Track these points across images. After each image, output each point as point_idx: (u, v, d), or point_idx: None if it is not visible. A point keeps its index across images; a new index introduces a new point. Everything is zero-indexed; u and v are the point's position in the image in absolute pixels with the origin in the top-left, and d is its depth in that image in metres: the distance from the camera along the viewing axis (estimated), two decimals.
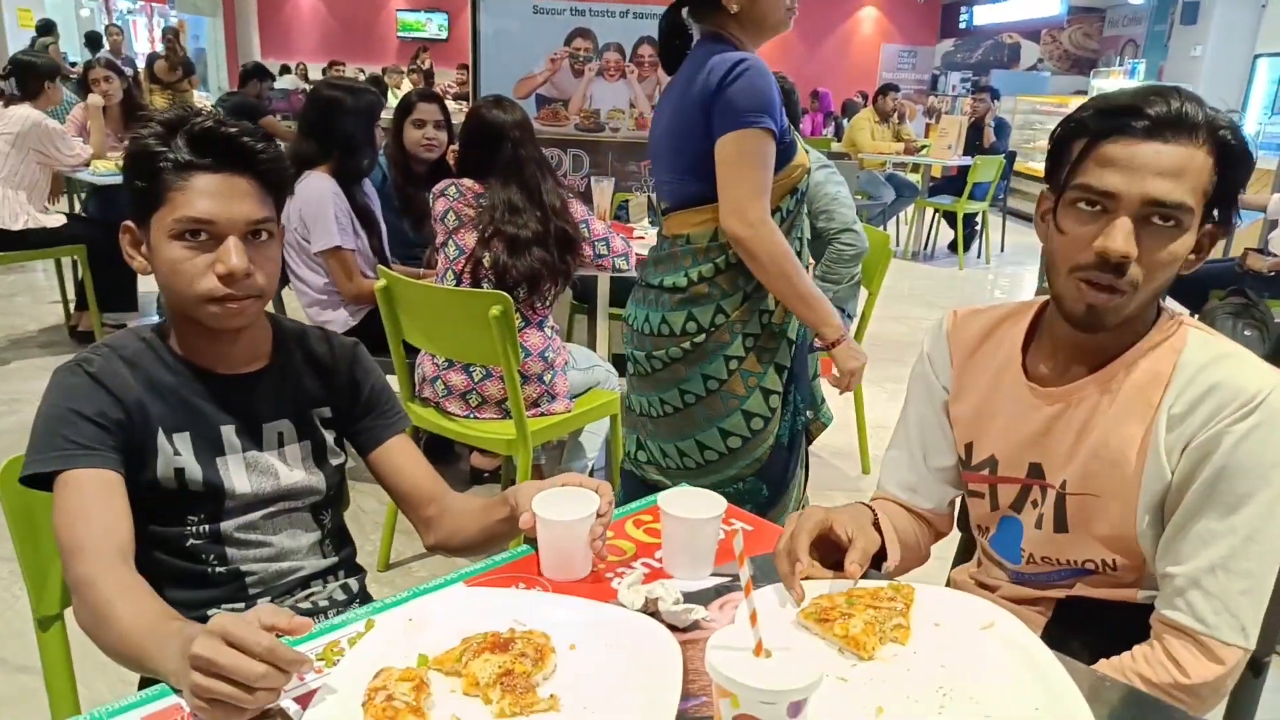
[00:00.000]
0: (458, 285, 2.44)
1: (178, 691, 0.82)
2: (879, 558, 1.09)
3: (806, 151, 1.85)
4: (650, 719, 0.79)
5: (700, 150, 1.69)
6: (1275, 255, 4.12)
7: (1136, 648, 1.05)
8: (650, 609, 0.97)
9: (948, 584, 1.34)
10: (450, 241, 2.47)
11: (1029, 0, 12.83)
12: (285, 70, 12.25)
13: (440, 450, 3.21)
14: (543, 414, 2.46)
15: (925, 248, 7.86)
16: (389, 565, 2.55)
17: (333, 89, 2.87)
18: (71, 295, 4.57)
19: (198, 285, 1.07)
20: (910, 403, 1.30)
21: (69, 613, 1.10)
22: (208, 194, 1.06)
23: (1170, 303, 3.54)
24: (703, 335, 1.78)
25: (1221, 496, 0.99)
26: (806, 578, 1.00)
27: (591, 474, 2.76)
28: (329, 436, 1.27)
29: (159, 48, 10.73)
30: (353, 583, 1.31)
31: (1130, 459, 1.05)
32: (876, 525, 1.12)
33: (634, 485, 1.99)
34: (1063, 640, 1.10)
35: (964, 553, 1.47)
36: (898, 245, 7.91)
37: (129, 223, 1.13)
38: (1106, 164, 0.99)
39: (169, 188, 1.06)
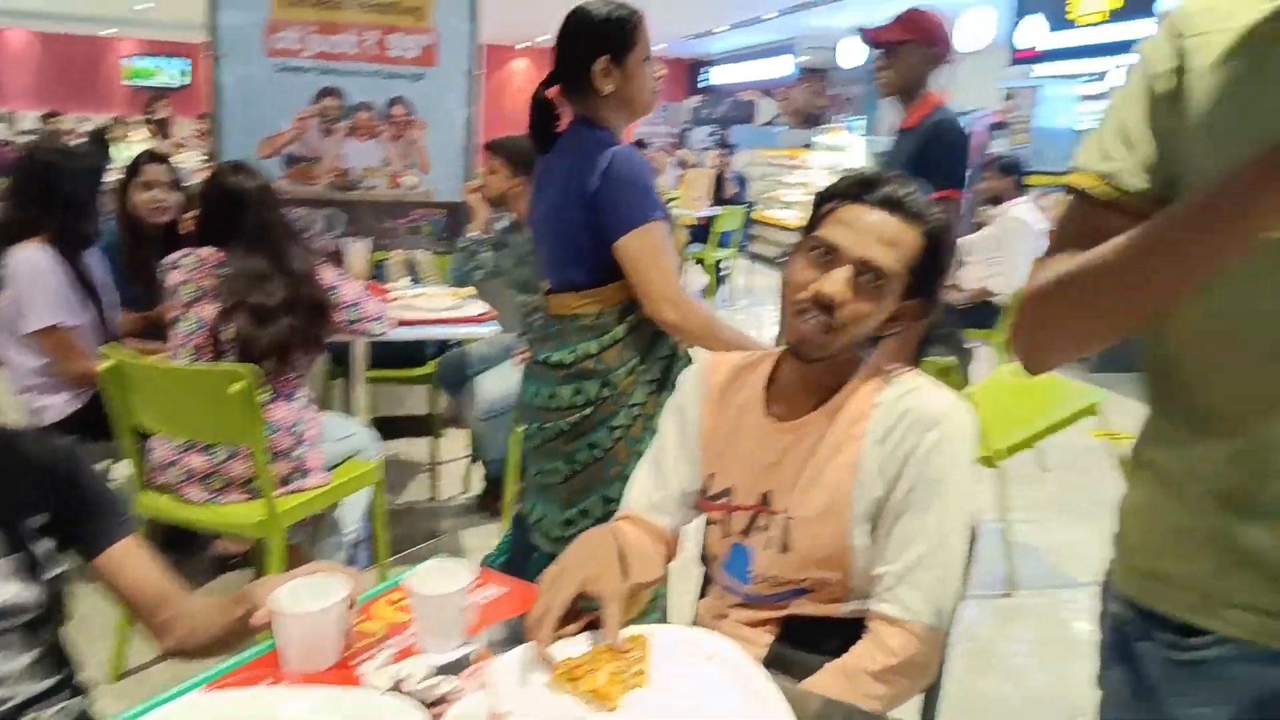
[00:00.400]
0: (196, 360, 2.31)
1: None
2: None
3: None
4: None
5: (583, 245, 1.77)
6: (964, 291, 4.75)
7: (855, 645, 1.21)
8: (398, 688, 0.98)
9: (695, 618, 1.45)
10: (187, 315, 2.33)
11: (763, 62, 14.03)
12: None
13: (181, 537, 2.96)
14: (294, 491, 2.36)
15: None
16: (123, 674, 2.32)
17: (46, 153, 2.67)
18: None
19: None
20: (663, 432, 1.42)
21: None
22: None
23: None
24: (590, 408, 1.82)
25: (917, 502, 1.18)
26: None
27: (356, 546, 2.69)
28: (46, 546, 1.17)
29: None
30: (75, 704, 1.21)
31: (843, 482, 1.22)
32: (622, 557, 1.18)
33: (525, 544, 2.01)
34: (790, 652, 1.27)
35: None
36: None
37: None
38: (839, 223, 1.18)
39: None
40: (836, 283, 1.16)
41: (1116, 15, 6.40)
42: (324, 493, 2.40)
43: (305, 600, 1.03)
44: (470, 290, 3.31)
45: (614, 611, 1.06)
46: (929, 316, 1.25)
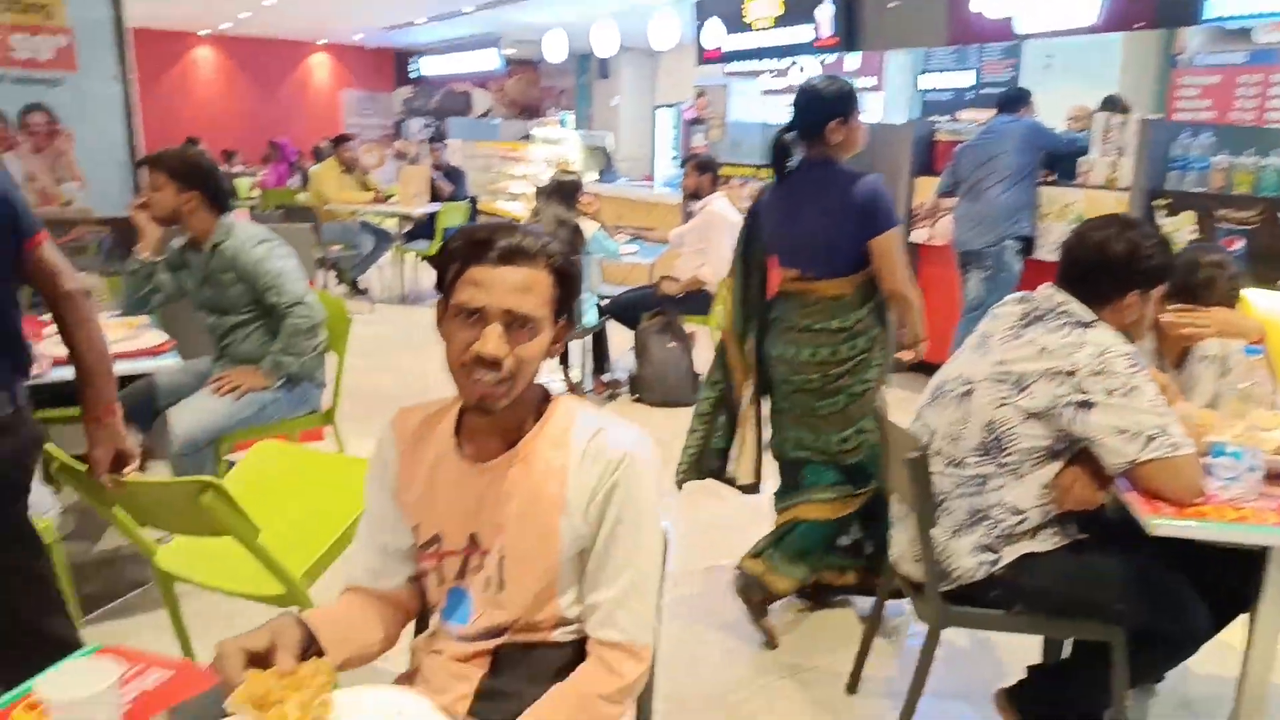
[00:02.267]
0: None
1: None
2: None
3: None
4: None
5: (848, 243, 2.56)
6: (679, 281, 5.02)
7: (580, 668, 1.27)
8: None
9: (410, 656, 1.42)
10: None
11: (471, 54, 13.87)
12: None
13: None
14: None
15: (410, 291, 8.07)
16: None
17: None
18: None
19: None
20: (367, 496, 1.41)
21: None
22: None
23: (613, 326, 4.05)
24: (861, 355, 2.61)
25: (622, 535, 1.27)
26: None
27: None
28: None
29: None
30: None
31: (549, 523, 1.27)
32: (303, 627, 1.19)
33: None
34: (500, 684, 1.29)
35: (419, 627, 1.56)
36: (384, 291, 8.01)
37: None
38: (474, 284, 1.21)
39: None
40: (491, 340, 1.20)
41: (782, 21, 7.08)
42: None
43: None
44: (144, 318, 2.99)
45: (287, 653, 1.08)
46: (572, 330, 1.35)
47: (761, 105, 8.40)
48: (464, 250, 1.24)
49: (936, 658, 2.05)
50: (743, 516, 3.30)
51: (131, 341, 2.74)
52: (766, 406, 2.87)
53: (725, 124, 7.82)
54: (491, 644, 1.32)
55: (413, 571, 1.41)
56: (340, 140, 7.69)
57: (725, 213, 4.95)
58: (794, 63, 10.02)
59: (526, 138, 11.24)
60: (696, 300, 4.99)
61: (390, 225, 7.69)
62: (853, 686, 2.46)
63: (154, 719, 1.04)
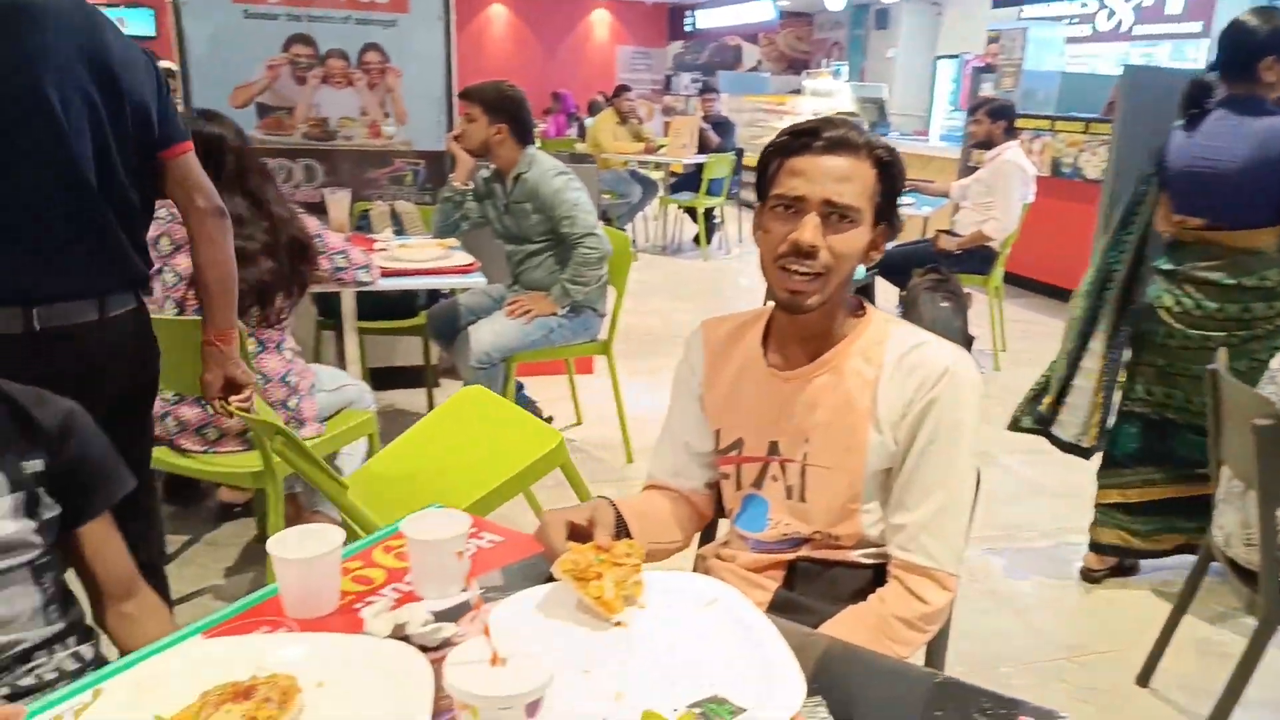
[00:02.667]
0: (180, 314, 2.28)
1: None
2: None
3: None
4: None
5: (1276, 193, 2.32)
6: (960, 235, 4.73)
7: (880, 590, 1.25)
8: (399, 634, 0.98)
9: (695, 562, 1.47)
10: (165, 268, 2.30)
11: (744, 6, 13.74)
12: None
13: (182, 486, 2.98)
14: None
15: (672, 241, 8.26)
16: None
17: None
18: None
19: None
20: (673, 398, 1.46)
21: None
22: None
23: (881, 284, 3.94)
24: (1275, 318, 2.40)
25: (932, 455, 1.22)
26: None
27: None
28: (41, 490, 1.17)
29: None
30: (85, 650, 1.21)
31: (857, 435, 1.25)
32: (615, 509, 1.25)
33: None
34: (795, 598, 1.29)
35: (705, 539, 1.60)
36: (648, 241, 8.25)
37: None
38: (794, 174, 1.20)
39: None
40: (808, 229, 1.18)
41: None
42: (319, 443, 2.39)
43: (302, 546, 1.03)
44: (454, 241, 3.27)
45: (605, 530, 1.13)
46: (892, 238, 1.31)
47: (1060, 55, 7.64)
48: (786, 143, 1.23)
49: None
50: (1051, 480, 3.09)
51: (444, 260, 3.02)
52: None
53: (1020, 72, 7.21)
54: (789, 555, 1.33)
55: (711, 477, 1.44)
56: (619, 91, 7.95)
57: (1020, 163, 4.58)
58: (1102, 5, 9.05)
59: (796, 91, 11.02)
60: (976, 258, 4.68)
61: (657, 176, 7.87)
62: (1144, 679, 2.24)
63: (482, 577, 1.14)
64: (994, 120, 4.71)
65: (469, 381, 3.26)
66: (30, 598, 1.15)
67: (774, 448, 1.32)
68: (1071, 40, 8.17)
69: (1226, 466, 1.89)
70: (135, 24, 14.42)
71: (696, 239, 7.91)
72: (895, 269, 4.85)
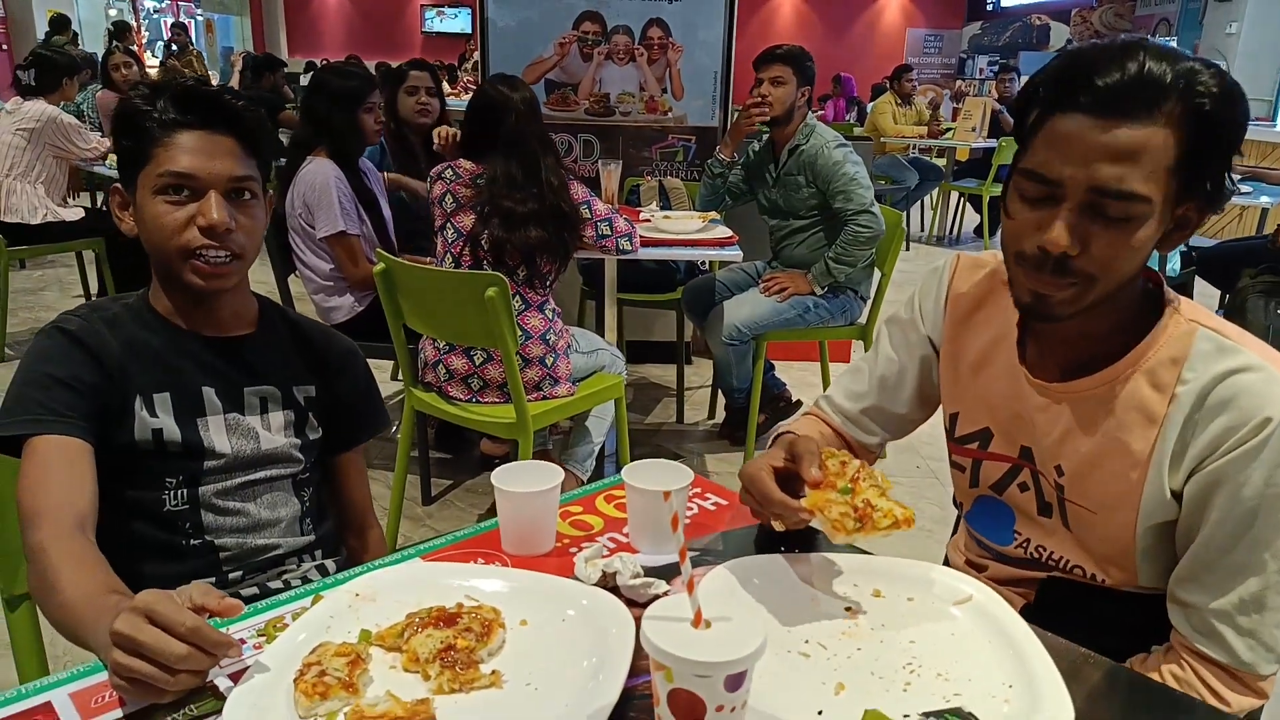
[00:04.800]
0: (456, 268, 2.42)
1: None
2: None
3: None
4: (595, 696, 0.75)
5: None
6: None
7: (1164, 667, 0.97)
8: (608, 583, 0.93)
9: (945, 560, 1.29)
10: (448, 225, 2.44)
11: None
12: (311, 66, 12.34)
13: (451, 436, 3.20)
14: (544, 397, 2.43)
15: (950, 232, 7.73)
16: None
17: (323, 73, 2.92)
18: (95, 288, 4.62)
19: (178, 238, 1.09)
20: (885, 341, 1.22)
21: None
22: (190, 150, 1.08)
23: (1200, 284, 3.30)
24: None
25: (1247, 528, 0.90)
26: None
27: (600, 458, 2.74)
28: (310, 414, 1.25)
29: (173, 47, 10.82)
30: (330, 564, 1.29)
31: (1130, 479, 0.96)
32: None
33: None
34: (1045, 621, 1.05)
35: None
36: (923, 230, 7.78)
37: (116, 185, 1.16)
38: (1052, 144, 0.87)
39: (154, 144, 1.09)
40: (1059, 232, 0.87)
41: None
42: (571, 401, 2.45)
43: (525, 482, 1.00)
44: (715, 215, 3.22)
45: (812, 459, 0.94)
46: (1216, 211, 0.95)
47: None
48: (1047, 89, 0.89)
49: None
50: None
51: (705, 233, 2.97)
52: None
53: None
54: (1039, 574, 1.11)
55: (885, 440, 1.24)
56: (900, 72, 7.54)
57: None
58: None
59: None
60: None
61: (941, 162, 7.38)
62: None
63: (701, 539, 1.06)
64: None
65: (719, 357, 3.21)
66: (291, 507, 1.23)
67: (1027, 454, 1.07)
68: None
69: None
70: (459, 22, 16.00)
71: (979, 229, 7.33)
72: (1219, 268, 4.13)
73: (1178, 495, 0.94)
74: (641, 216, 3.16)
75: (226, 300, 1.18)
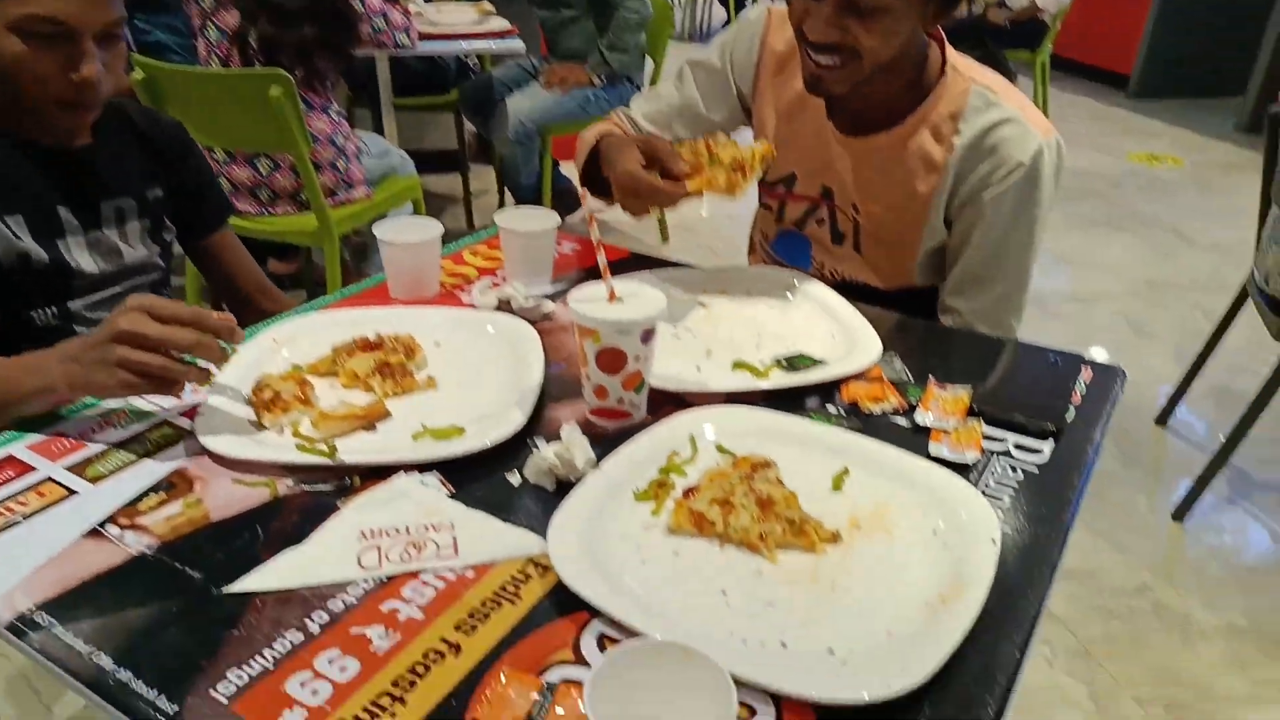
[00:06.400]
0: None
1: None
2: None
3: None
4: (521, 384, 0.91)
5: None
6: (1011, 9, 4.50)
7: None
8: (504, 308, 1.07)
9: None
10: (208, 24, 2.26)
11: None
12: None
13: None
14: (342, 203, 2.40)
15: (699, 26, 7.89)
16: None
17: None
18: None
19: (44, 88, 0.99)
20: (690, 83, 1.30)
21: None
22: None
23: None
24: None
25: (998, 249, 1.15)
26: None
27: None
28: (163, 216, 1.23)
29: None
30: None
31: (916, 215, 1.18)
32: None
33: None
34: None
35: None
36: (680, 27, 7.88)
37: None
38: None
39: None
40: (818, 22, 1.02)
41: None
42: (370, 205, 2.44)
43: (407, 235, 1.09)
44: (488, 6, 3.17)
45: (669, 154, 1.03)
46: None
47: None
48: None
49: None
50: None
51: (481, 25, 2.93)
52: None
53: None
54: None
55: (675, 137, 1.29)
56: None
57: None
58: None
59: None
60: (1026, 31, 4.48)
61: None
62: (1163, 419, 2.37)
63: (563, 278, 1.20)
64: None
65: (505, 156, 3.26)
66: None
67: (827, 193, 1.26)
68: None
69: (1276, 205, 1.91)
70: None
71: (727, 23, 7.55)
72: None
73: (949, 224, 1.19)
74: (413, 10, 3.04)
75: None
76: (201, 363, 0.81)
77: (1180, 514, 2.02)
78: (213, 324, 0.80)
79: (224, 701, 0.57)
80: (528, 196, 3.33)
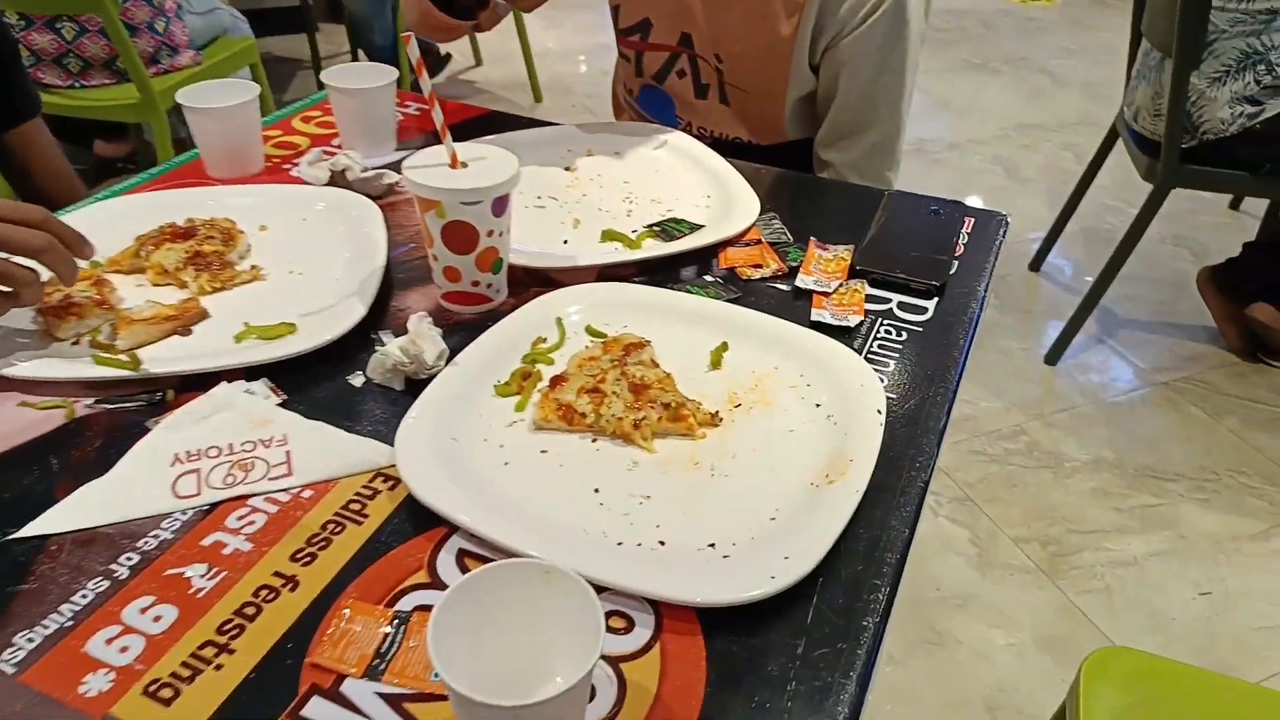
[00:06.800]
0: None
1: None
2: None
3: None
4: (361, 270, 0.80)
5: None
6: None
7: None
8: (339, 182, 0.94)
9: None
10: None
11: None
12: None
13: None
14: (166, 70, 2.14)
15: None
16: None
17: None
18: None
19: None
20: None
21: None
22: None
23: None
24: None
25: (867, 94, 1.09)
26: None
27: None
28: None
29: None
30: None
31: (779, 60, 1.09)
32: None
33: None
34: None
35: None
36: None
37: None
38: None
39: None
40: None
41: None
42: (200, 71, 2.18)
43: (220, 99, 0.94)
44: None
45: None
46: None
47: None
48: None
49: None
50: None
51: None
52: None
53: None
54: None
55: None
56: None
57: None
58: None
59: None
60: None
61: None
62: (1035, 265, 2.43)
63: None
64: None
65: (356, 13, 2.98)
66: None
67: (686, 40, 1.16)
68: None
69: (1146, 40, 1.90)
70: None
71: None
72: None
73: (815, 69, 1.11)
74: None
75: None
76: (46, 274, 0.69)
77: (1053, 358, 2.09)
78: (65, 232, 0.68)
79: (9, 672, 0.49)
80: (384, 58, 3.06)
